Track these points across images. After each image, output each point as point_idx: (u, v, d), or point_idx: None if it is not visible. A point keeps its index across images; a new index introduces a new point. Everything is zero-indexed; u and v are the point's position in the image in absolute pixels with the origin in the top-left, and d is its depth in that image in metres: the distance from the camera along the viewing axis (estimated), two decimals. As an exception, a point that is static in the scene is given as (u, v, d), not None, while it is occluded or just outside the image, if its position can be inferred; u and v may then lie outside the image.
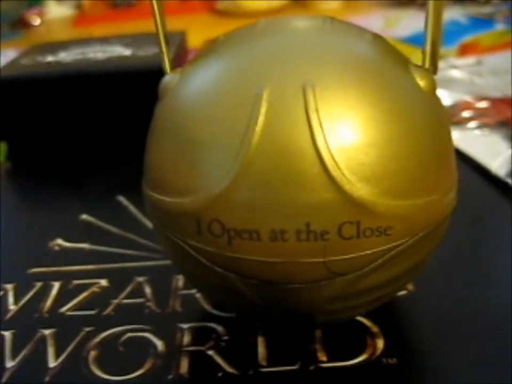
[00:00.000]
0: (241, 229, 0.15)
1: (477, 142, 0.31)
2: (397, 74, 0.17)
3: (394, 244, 0.16)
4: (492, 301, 0.21)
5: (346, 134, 0.15)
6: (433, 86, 0.17)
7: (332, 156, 0.15)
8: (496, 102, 0.34)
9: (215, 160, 0.16)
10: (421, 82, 0.17)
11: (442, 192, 0.17)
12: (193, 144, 0.16)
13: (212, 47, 0.18)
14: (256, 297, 0.17)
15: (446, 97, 0.36)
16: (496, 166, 0.28)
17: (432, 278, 0.22)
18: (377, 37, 0.18)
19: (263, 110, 0.15)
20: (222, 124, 0.16)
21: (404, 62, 0.17)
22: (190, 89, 0.17)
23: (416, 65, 0.17)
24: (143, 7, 0.66)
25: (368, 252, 0.16)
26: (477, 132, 0.32)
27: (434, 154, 0.16)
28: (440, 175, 0.17)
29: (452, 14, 0.54)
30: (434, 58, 0.18)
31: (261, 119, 0.15)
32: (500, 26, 0.50)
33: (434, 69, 0.18)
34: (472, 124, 0.33)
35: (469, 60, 0.43)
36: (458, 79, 0.39)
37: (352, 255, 0.16)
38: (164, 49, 0.19)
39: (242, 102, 0.15)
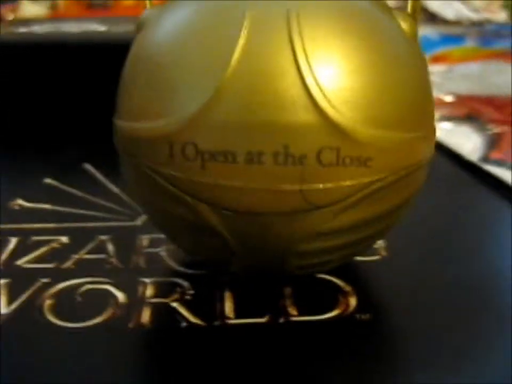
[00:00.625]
0: (216, 151, 0.15)
1: (447, 132, 0.31)
2: (380, 13, 0.17)
3: (374, 178, 0.15)
4: (463, 270, 0.20)
5: (329, 59, 0.15)
6: (414, 30, 0.17)
7: (314, 78, 0.14)
8: (463, 98, 0.35)
9: (192, 81, 0.15)
10: (403, 25, 0.17)
11: (423, 132, 0.17)
12: (170, 68, 0.15)
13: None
14: (227, 231, 0.16)
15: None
16: (468, 151, 0.28)
17: (405, 246, 0.22)
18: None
19: (244, 32, 0.15)
20: (201, 47, 0.15)
21: (387, 7, 0.17)
22: (169, 20, 0.17)
23: (398, 11, 0.17)
24: (119, 8, 0.66)
25: (347, 183, 0.15)
26: (445, 123, 0.32)
27: (417, 92, 0.16)
28: (421, 114, 0.17)
29: (424, 31, 0.55)
30: (416, 7, 0.18)
31: (241, 39, 0.15)
32: (470, 43, 0.52)
33: (415, 17, 0.18)
34: (440, 116, 0.33)
35: (441, 67, 0.44)
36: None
37: (329, 185, 0.15)
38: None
39: (222, 25, 0.15)
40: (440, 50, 0.49)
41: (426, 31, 0.56)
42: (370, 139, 0.15)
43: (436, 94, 0.36)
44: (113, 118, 0.18)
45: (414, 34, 0.17)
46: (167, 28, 0.16)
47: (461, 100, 0.35)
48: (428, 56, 0.48)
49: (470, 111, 0.33)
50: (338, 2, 0.16)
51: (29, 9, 0.64)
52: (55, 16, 0.62)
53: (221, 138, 0.15)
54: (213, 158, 0.15)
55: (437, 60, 0.47)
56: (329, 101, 0.14)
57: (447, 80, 0.40)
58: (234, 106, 0.14)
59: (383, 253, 0.21)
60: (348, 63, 0.15)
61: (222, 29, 0.15)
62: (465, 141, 0.30)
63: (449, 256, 0.22)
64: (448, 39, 0.52)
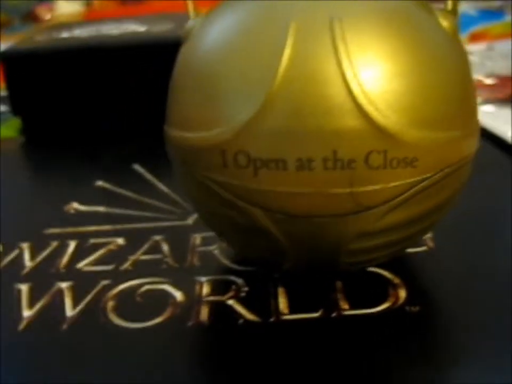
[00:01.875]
0: (267, 159, 0.15)
1: (489, 116, 0.31)
2: (421, 13, 0.17)
3: (420, 177, 0.16)
4: (508, 260, 0.21)
5: (373, 63, 0.15)
6: (455, 27, 0.17)
7: (358, 83, 0.15)
8: (505, 79, 0.35)
9: (241, 91, 0.16)
10: (444, 23, 0.17)
11: (466, 130, 0.17)
12: (219, 78, 0.16)
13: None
14: (280, 234, 0.16)
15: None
16: (510, 135, 0.28)
17: (451, 236, 0.22)
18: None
19: (290, 40, 0.15)
20: (249, 57, 0.16)
21: (427, 6, 0.17)
22: (215, 29, 0.17)
23: (439, 9, 0.17)
24: (152, 2, 0.67)
25: (394, 183, 0.16)
26: (488, 107, 0.32)
27: (459, 89, 0.16)
28: (465, 111, 0.17)
29: (462, 7, 0.54)
30: (455, 4, 0.18)
31: (287, 48, 0.15)
32: (509, 18, 0.50)
33: (453, 11, 0.18)
34: (480, 99, 0.33)
35: (480, 46, 0.43)
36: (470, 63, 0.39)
37: (378, 186, 0.15)
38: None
39: (269, 33, 0.16)
40: (479, 27, 0.48)
41: (463, 7, 0.55)
42: (416, 140, 0.15)
43: (476, 75, 0.36)
44: (164, 126, 0.19)
45: (455, 31, 0.17)
46: (213, 38, 0.17)
47: (503, 81, 0.34)
48: (466, 34, 0.47)
49: (508, 91, 0.33)
50: (379, 4, 0.16)
51: (65, 8, 0.65)
52: (91, 14, 0.63)
53: (272, 146, 0.15)
54: (265, 165, 0.15)
55: (476, 37, 0.46)
56: (374, 105, 0.15)
57: (487, 59, 0.40)
58: (283, 114, 0.15)
59: (430, 244, 0.21)
60: (391, 66, 0.15)
61: (268, 37, 0.16)
62: (508, 125, 0.29)
63: (497, 243, 0.22)
64: (486, 15, 0.51)
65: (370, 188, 0.15)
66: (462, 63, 0.17)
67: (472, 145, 0.17)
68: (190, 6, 0.19)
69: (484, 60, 0.39)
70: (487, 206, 0.24)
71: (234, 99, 0.16)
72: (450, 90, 0.16)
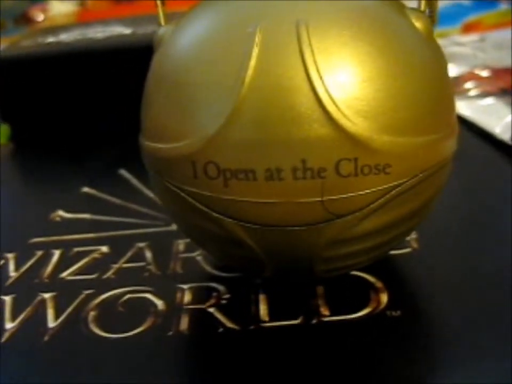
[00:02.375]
0: (236, 169, 0.15)
1: (480, 110, 0.30)
2: (392, 14, 0.16)
3: (393, 183, 0.16)
4: (494, 260, 0.20)
5: (341, 69, 0.15)
6: (429, 28, 0.17)
7: (326, 90, 0.15)
8: (498, 71, 0.34)
9: (209, 101, 0.15)
10: (417, 24, 0.17)
11: (441, 133, 0.16)
12: (186, 87, 0.16)
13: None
14: (254, 243, 0.16)
15: (450, 71, 0.36)
16: (500, 130, 0.28)
17: (435, 237, 0.22)
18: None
19: (256, 47, 0.15)
20: (215, 64, 0.15)
21: (400, 6, 0.17)
22: (184, 37, 0.17)
23: (411, 9, 0.17)
24: (145, 2, 0.66)
25: (367, 191, 0.15)
26: (480, 100, 0.32)
27: (433, 93, 0.16)
28: (438, 115, 0.16)
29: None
30: (432, 3, 0.18)
31: (254, 56, 0.15)
32: (503, 7, 0.50)
33: (432, 15, 0.17)
34: (474, 92, 0.32)
35: (472, 37, 0.43)
36: (462, 54, 0.38)
37: (350, 194, 0.15)
38: (159, 2, 0.19)
39: (235, 42, 0.15)
40: (472, 17, 0.48)
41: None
42: (387, 146, 0.15)
43: (469, 67, 0.36)
44: (139, 136, 0.18)
45: (429, 31, 0.17)
46: (181, 47, 0.17)
47: (495, 73, 0.34)
48: (460, 24, 0.47)
49: (505, 85, 0.32)
50: (348, 5, 0.16)
51: (58, 8, 0.65)
52: (84, 14, 0.63)
53: (241, 157, 0.15)
54: (234, 176, 0.15)
55: (468, 28, 0.45)
56: (343, 113, 0.15)
57: (479, 51, 0.39)
58: (251, 124, 0.15)
59: (414, 245, 0.21)
60: (360, 72, 0.15)
61: (234, 46, 0.15)
62: (498, 118, 0.29)
63: (483, 244, 0.21)
64: (480, 4, 0.50)
65: (341, 196, 0.15)
66: (436, 65, 0.17)
67: (449, 148, 0.17)
68: (160, 12, 0.19)
69: (476, 51, 0.39)
70: (473, 204, 0.24)
71: (202, 110, 0.15)
72: (423, 94, 0.16)
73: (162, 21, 0.19)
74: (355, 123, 0.15)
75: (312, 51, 0.15)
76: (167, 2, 0.19)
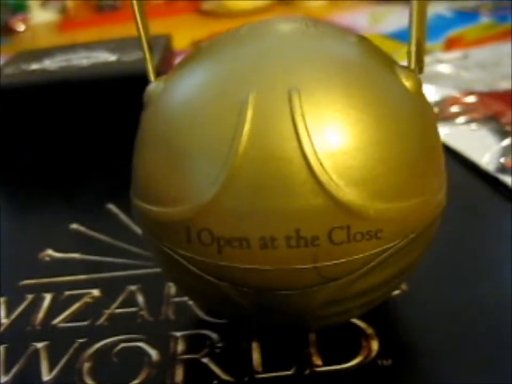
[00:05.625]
0: (230, 237, 0.15)
1: (465, 137, 0.31)
2: (382, 76, 0.17)
3: (385, 246, 0.16)
4: (486, 297, 0.21)
5: (333, 138, 0.15)
6: (419, 86, 0.17)
7: (319, 161, 0.15)
8: (484, 96, 0.34)
9: (202, 168, 0.15)
10: (407, 83, 0.17)
11: (431, 193, 0.17)
12: (180, 153, 0.16)
13: (195, 54, 0.18)
14: (248, 304, 0.17)
15: (433, 92, 0.36)
16: (485, 161, 0.28)
17: (425, 276, 0.22)
18: (362, 39, 0.18)
19: (248, 116, 0.15)
20: (208, 132, 0.15)
21: (390, 63, 0.17)
22: (175, 98, 0.17)
23: (401, 66, 0.17)
24: (128, 10, 0.65)
25: (359, 255, 0.16)
26: (465, 127, 0.32)
27: (422, 154, 0.16)
28: (429, 175, 0.17)
29: (436, 8, 0.54)
30: (420, 57, 0.18)
31: (247, 125, 0.15)
32: (484, 20, 0.50)
33: (420, 68, 0.18)
34: (460, 119, 0.33)
35: (455, 54, 0.43)
36: (445, 74, 0.39)
37: (343, 260, 0.15)
38: (148, 56, 0.19)
39: (227, 109, 0.15)
40: (454, 31, 0.48)
41: (438, 7, 0.55)
42: (379, 213, 0.15)
43: (453, 89, 0.36)
44: (130, 193, 0.18)
45: (419, 89, 0.17)
46: (173, 109, 0.17)
47: (480, 99, 0.34)
48: (442, 39, 0.47)
49: (490, 112, 0.33)
50: (340, 69, 0.16)
51: (39, 18, 0.64)
52: (66, 23, 0.62)
53: (234, 225, 0.15)
54: (228, 243, 0.15)
55: (451, 44, 0.46)
56: (335, 182, 0.15)
57: (463, 69, 0.39)
58: (245, 193, 0.15)
59: (404, 287, 0.22)
60: (352, 140, 0.15)
61: (226, 112, 0.15)
62: (484, 148, 0.29)
63: (473, 280, 0.22)
64: (461, 16, 0.51)
65: (334, 262, 0.15)
66: (426, 124, 0.17)
67: (438, 205, 0.17)
68: (150, 68, 0.19)
69: (460, 70, 0.39)
70: (461, 239, 0.24)
71: (196, 176, 0.15)
72: (413, 158, 0.16)
73: (151, 77, 0.18)
74: (347, 192, 0.15)
75: (304, 121, 0.15)
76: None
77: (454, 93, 0.36)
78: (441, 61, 0.41)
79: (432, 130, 0.17)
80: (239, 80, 0.16)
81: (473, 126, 0.32)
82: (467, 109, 0.33)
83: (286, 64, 0.16)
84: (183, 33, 0.57)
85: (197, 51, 0.18)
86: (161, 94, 0.18)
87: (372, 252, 0.16)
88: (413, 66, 0.17)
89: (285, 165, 0.15)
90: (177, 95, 0.17)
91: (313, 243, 0.15)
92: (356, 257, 0.16)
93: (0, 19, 0.62)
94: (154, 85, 0.18)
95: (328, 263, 0.15)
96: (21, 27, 0.64)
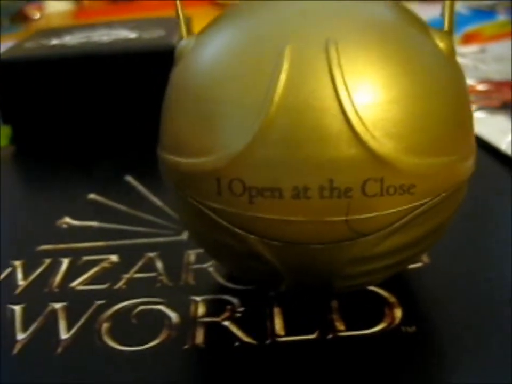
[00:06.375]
0: (263, 187, 0.15)
1: (482, 123, 0.30)
2: (417, 35, 0.17)
3: (417, 203, 0.16)
4: (505, 273, 0.21)
5: (369, 91, 0.15)
6: (452, 48, 0.17)
7: (355, 111, 0.15)
8: (499, 85, 0.35)
9: (236, 118, 0.15)
10: (441, 44, 0.17)
11: (462, 154, 0.17)
12: (213, 104, 0.16)
13: (228, 12, 0.18)
14: (276, 259, 0.16)
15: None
16: (506, 144, 0.28)
17: (446, 250, 0.22)
18: (397, 3, 0.18)
19: (285, 66, 0.15)
20: (243, 82, 0.15)
21: (424, 26, 0.17)
22: (209, 51, 0.17)
23: (435, 29, 0.17)
24: (142, 2, 0.66)
25: (391, 210, 0.15)
26: (481, 113, 0.32)
27: (455, 114, 0.16)
28: (460, 136, 0.17)
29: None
30: (451, 23, 0.18)
31: (283, 75, 0.15)
32: (501, 18, 0.50)
33: (450, 31, 0.18)
34: (476, 106, 0.33)
35: (473, 48, 0.43)
36: (463, 66, 0.38)
37: (375, 214, 0.15)
38: (180, 14, 0.19)
39: (263, 59, 0.15)
40: (472, 27, 0.48)
41: (456, 6, 0.55)
42: (413, 167, 0.15)
43: (471, 80, 0.36)
44: (158, 149, 0.18)
45: (452, 52, 0.17)
46: (206, 61, 0.17)
47: (496, 87, 0.34)
48: (460, 34, 0.47)
49: (504, 99, 0.33)
50: (375, 24, 0.16)
51: (54, 7, 0.65)
52: (80, 13, 0.62)
53: (267, 175, 0.15)
54: (260, 193, 0.15)
55: (468, 39, 0.46)
56: (371, 134, 0.15)
57: (480, 62, 0.39)
58: (279, 143, 0.15)
59: (426, 259, 0.21)
60: (388, 93, 0.15)
61: (262, 63, 0.15)
62: (502, 132, 0.29)
63: (494, 256, 0.22)
64: (478, 14, 0.51)
65: (366, 215, 0.15)
66: (459, 86, 0.17)
67: (469, 168, 0.17)
68: (182, 25, 0.18)
69: (477, 63, 0.39)
70: (482, 217, 0.24)
71: (228, 127, 0.15)
72: (447, 115, 0.16)
73: (184, 34, 0.18)
74: (382, 144, 0.15)
75: (341, 72, 0.15)
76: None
77: (471, 82, 0.36)
78: (459, 54, 0.41)
79: (465, 93, 0.17)
80: (275, 33, 0.16)
81: (489, 112, 0.32)
82: (484, 96, 0.33)
83: (323, 18, 0.16)
84: (200, 25, 0.57)
85: (229, 11, 0.18)
86: (192, 49, 0.17)
87: (404, 208, 0.16)
88: (446, 28, 0.17)
89: (320, 115, 0.15)
90: (210, 49, 0.17)
91: (346, 194, 0.15)
92: (388, 211, 0.15)
93: (15, 6, 0.62)
94: (185, 42, 0.18)
95: (360, 216, 0.15)
96: (36, 15, 0.64)
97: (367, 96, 0.15)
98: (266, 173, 0.15)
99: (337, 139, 0.15)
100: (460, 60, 0.40)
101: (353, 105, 0.15)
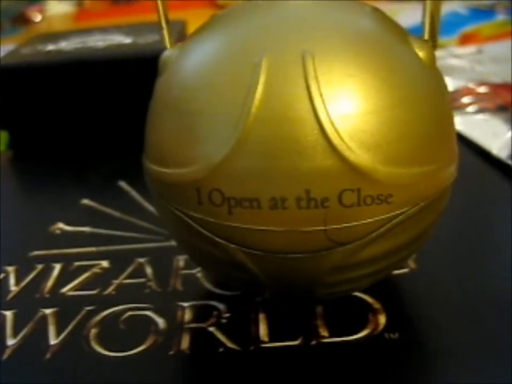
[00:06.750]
0: (241, 198, 0.15)
1: (477, 126, 0.31)
2: (396, 44, 0.17)
3: (395, 212, 0.16)
4: (492, 279, 0.21)
5: (345, 101, 0.15)
6: (432, 57, 0.17)
7: (331, 122, 0.15)
8: (496, 87, 0.34)
9: (215, 129, 0.16)
10: (420, 53, 0.17)
11: (442, 163, 0.17)
12: (193, 115, 0.16)
13: (209, 23, 0.18)
14: (257, 268, 0.17)
15: (447, 84, 0.36)
16: (497, 148, 0.28)
17: (433, 256, 0.22)
18: (376, 10, 0.18)
19: (262, 78, 0.15)
20: (222, 93, 0.16)
21: (403, 34, 0.17)
22: (190, 63, 0.17)
23: (415, 37, 0.17)
24: (143, 2, 0.66)
25: (369, 220, 0.16)
26: (478, 116, 0.32)
27: (434, 123, 0.16)
28: (440, 145, 0.17)
29: (452, 5, 0.54)
30: (433, 30, 0.18)
31: (260, 87, 0.15)
32: (500, 17, 0.50)
33: (433, 42, 0.18)
34: (472, 109, 0.33)
35: (470, 48, 0.43)
36: (459, 67, 0.39)
37: (353, 223, 0.15)
38: (164, 24, 0.19)
39: (241, 71, 0.15)
40: (469, 27, 0.48)
41: (454, 5, 0.55)
42: (390, 177, 0.15)
43: (466, 81, 0.36)
44: (143, 157, 0.19)
45: (432, 60, 0.17)
46: (187, 73, 0.17)
47: (493, 89, 0.34)
48: (457, 35, 0.47)
49: (501, 102, 0.33)
50: (353, 35, 0.16)
51: (55, 9, 0.65)
52: (82, 15, 0.63)
53: (245, 185, 0.15)
54: (239, 204, 0.15)
55: (466, 39, 0.46)
56: (347, 144, 0.15)
57: (477, 63, 0.39)
58: (256, 154, 0.15)
59: (412, 265, 0.22)
60: (365, 104, 0.15)
61: (240, 75, 0.15)
62: (495, 136, 0.29)
63: (481, 262, 0.22)
64: (477, 14, 0.50)
65: (344, 225, 0.15)
66: (438, 95, 0.17)
67: (450, 176, 0.17)
68: (166, 35, 0.19)
69: (474, 64, 0.39)
70: (470, 223, 0.24)
71: (207, 138, 0.16)
72: (426, 125, 0.16)
73: (167, 44, 0.19)
74: (359, 154, 0.15)
75: (317, 83, 0.15)
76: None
77: (468, 85, 0.36)
78: (455, 56, 0.41)
79: (445, 101, 0.17)
80: (252, 44, 0.16)
81: (485, 115, 0.32)
82: (479, 99, 0.33)
83: (300, 29, 0.16)
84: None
85: (211, 20, 0.18)
86: (175, 60, 0.18)
87: (382, 217, 0.16)
88: (426, 37, 0.17)
89: (297, 127, 0.15)
90: (191, 60, 0.17)
91: (323, 204, 0.15)
92: (365, 221, 0.16)
93: (16, 9, 0.62)
94: (169, 52, 0.18)
95: (337, 226, 0.15)
96: (37, 17, 0.64)
97: (343, 107, 0.15)
98: (244, 183, 0.15)
99: (313, 150, 0.15)
100: (457, 61, 0.40)
101: (328, 116, 0.15)
